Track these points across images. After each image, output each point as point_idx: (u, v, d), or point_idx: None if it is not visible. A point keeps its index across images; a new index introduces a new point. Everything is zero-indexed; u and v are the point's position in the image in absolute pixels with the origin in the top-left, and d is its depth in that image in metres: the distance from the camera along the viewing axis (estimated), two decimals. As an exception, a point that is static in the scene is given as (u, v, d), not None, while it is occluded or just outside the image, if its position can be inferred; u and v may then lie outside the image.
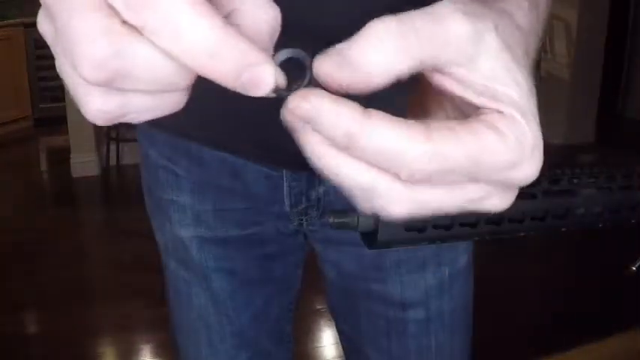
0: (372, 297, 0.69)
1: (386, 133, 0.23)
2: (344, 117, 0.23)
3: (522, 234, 0.33)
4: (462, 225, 0.31)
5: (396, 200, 0.25)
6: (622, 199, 0.34)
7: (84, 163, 3.79)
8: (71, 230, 3.17)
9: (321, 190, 0.64)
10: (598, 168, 0.35)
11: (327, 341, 2.16)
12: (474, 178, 0.26)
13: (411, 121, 0.24)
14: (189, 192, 0.65)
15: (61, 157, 3.94)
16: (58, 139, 4.06)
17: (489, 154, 0.25)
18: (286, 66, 0.25)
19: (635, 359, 1.58)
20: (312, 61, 0.25)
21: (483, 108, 0.26)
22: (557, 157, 3.93)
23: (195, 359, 0.72)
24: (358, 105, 0.24)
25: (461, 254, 0.69)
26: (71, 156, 3.80)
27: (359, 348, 0.74)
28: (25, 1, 5.15)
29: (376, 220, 0.31)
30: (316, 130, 0.24)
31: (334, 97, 0.24)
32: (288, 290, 0.74)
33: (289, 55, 0.25)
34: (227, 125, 0.60)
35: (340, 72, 0.24)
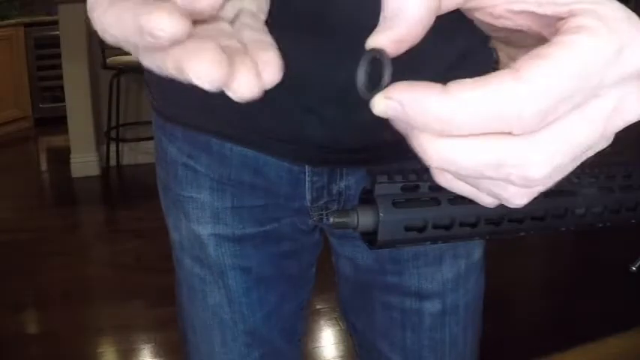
0: (388, 289, 0.69)
1: (474, 97, 0.22)
2: (426, 101, 0.22)
3: (522, 234, 0.33)
4: (461, 225, 0.32)
5: (531, 157, 0.23)
6: (622, 199, 0.34)
7: (84, 163, 3.79)
8: (71, 230, 3.17)
9: (342, 184, 0.64)
10: (598, 168, 0.35)
11: (327, 341, 2.16)
12: (592, 92, 0.23)
13: (493, 73, 0.23)
14: (208, 189, 0.65)
15: (61, 157, 3.94)
16: (58, 139, 4.06)
17: (587, 55, 0.22)
18: (371, 68, 0.25)
19: (635, 359, 1.58)
20: (389, 58, 0.24)
21: (558, 20, 0.24)
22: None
23: (208, 357, 0.72)
24: (435, 84, 0.23)
25: (476, 247, 0.70)
26: (71, 156, 3.79)
27: (372, 343, 0.74)
28: (26, 1, 5.15)
29: (376, 220, 0.31)
30: (411, 125, 0.23)
31: (410, 83, 0.23)
32: (301, 288, 0.74)
33: (373, 55, 0.25)
34: (250, 120, 0.60)
35: None
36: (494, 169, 0.23)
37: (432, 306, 0.68)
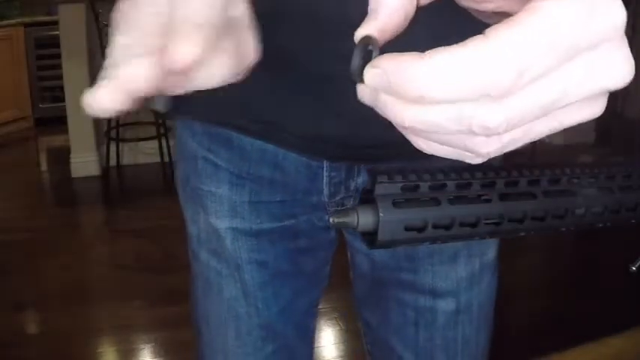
0: (402, 286, 0.70)
1: (448, 61, 0.23)
2: (406, 67, 0.24)
3: (522, 234, 0.33)
4: (461, 225, 0.31)
5: (487, 105, 0.24)
6: (622, 199, 0.34)
7: (84, 163, 3.79)
8: (71, 230, 3.17)
9: (359, 180, 0.66)
10: (598, 168, 0.35)
11: (327, 341, 2.16)
12: (566, 55, 0.23)
13: (467, 40, 0.23)
14: (227, 183, 0.66)
15: (61, 157, 3.94)
16: (58, 139, 4.06)
17: (555, 18, 0.23)
18: (364, 58, 0.27)
19: (635, 359, 1.58)
20: (377, 44, 0.27)
21: None
22: (557, 157, 3.93)
23: (222, 350, 0.73)
24: (418, 53, 0.24)
25: (490, 246, 0.71)
26: (71, 156, 3.79)
27: (385, 341, 0.75)
28: (25, 1, 5.15)
29: (376, 220, 0.31)
30: (393, 94, 0.25)
31: (395, 54, 0.25)
32: (316, 285, 0.75)
33: (365, 45, 0.27)
34: (270, 114, 0.61)
35: None
36: (456, 121, 0.24)
37: (445, 305, 0.69)
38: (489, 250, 0.70)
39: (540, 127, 0.26)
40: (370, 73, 0.25)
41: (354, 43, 0.28)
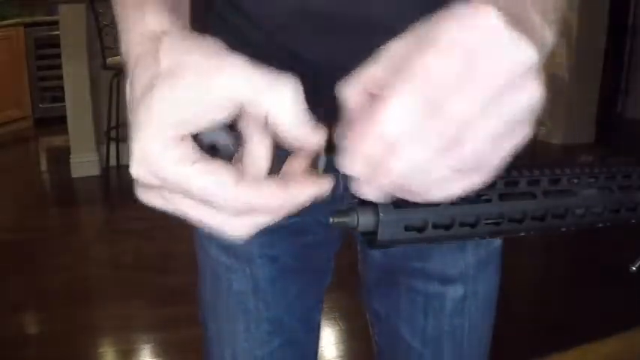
0: (413, 274, 0.72)
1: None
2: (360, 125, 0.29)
3: (522, 234, 0.33)
4: (461, 225, 0.32)
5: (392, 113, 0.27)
6: (622, 199, 0.34)
7: (84, 163, 3.79)
8: (71, 230, 3.17)
9: None
10: (598, 168, 0.35)
11: (327, 341, 2.15)
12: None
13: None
14: None
15: (61, 157, 3.94)
16: (58, 139, 4.06)
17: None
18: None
19: (635, 359, 1.58)
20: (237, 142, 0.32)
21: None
22: (557, 157, 3.93)
23: (230, 344, 0.74)
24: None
25: None
26: (71, 156, 3.79)
27: (394, 330, 0.76)
28: (25, 1, 5.15)
29: (376, 219, 0.31)
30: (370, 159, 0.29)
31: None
32: (321, 280, 0.77)
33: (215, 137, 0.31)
34: None
35: None
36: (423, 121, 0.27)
37: (454, 291, 0.71)
38: (495, 240, 0.72)
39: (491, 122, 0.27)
40: (345, 160, 0.29)
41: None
